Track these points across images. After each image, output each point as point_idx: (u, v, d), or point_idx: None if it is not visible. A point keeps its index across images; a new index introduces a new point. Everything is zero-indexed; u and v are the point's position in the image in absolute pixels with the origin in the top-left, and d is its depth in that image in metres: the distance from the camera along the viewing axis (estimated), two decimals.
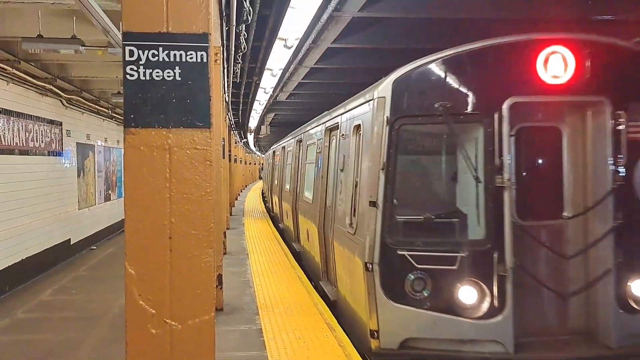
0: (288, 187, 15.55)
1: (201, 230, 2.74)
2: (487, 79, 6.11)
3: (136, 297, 2.69)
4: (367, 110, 6.71)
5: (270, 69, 14.71)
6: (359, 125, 7.05)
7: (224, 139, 12.08)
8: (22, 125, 11.15)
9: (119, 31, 2.72)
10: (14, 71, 10.33)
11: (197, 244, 2.74)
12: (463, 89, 6.06)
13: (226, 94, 16.22)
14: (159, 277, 2.71)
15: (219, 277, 8.24)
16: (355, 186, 6.99)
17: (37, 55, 10.38)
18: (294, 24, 9.87)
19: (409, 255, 5.86)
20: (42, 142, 12.33)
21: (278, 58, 13.07)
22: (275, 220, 21.27)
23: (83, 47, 8.12)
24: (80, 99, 14.29)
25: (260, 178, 61.20)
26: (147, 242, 2.70)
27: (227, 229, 16.43)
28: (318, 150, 10.77)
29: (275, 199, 20.33)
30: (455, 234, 6.09)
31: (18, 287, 10.87)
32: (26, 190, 11.32)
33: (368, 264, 5.93)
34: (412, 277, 5.83)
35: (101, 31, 7.36)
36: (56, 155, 13.25)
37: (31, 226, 11.59)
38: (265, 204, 29.13)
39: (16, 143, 10.87)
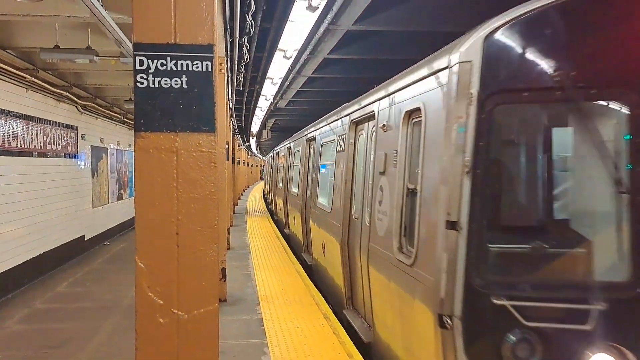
0: (296, 191, 13.10)
1: (206, 227, 2.75)
2: (635, 36, 3.67)
3: (145, 289, 2.69)
4: (433, 86, 4.32)
5: (271, 78, 14.71)
6: (418, 109, 4.63)
7: (227, 142, 12.08)
8: (40, 129, 11.13)
9: (130, 42, 2.72)
10: (33, 79, 10.32)
11: (202, 239, 2.74)
12: (597, 50, 3.73)
13: (230, 101, 16.20)
14: (166, 271, 2.71)
15: (223, 270, 8.24)
16: (412, 195, 4.70)
17: (55, 64, 10.38)
18: (293, 36, 9.88)
19: (511, 305, 3.61)
20: (59, 145, 12.30)
21: (278, 68, 13.08)
22: (279, 224, 19.49)
23: (97, 57, 8.12)
24: (94, 105, 14.27)
25: (262, 179, 61.02)
26: (156, 238, 2.71)
27: (231, 226, 16.41)
28: (339, 149, 8.28)
29: (280, 202, 17.80)
30: (581, 272, 3.84)
31: (36, 279, 10.84)
32: (44, 190, 11.30)
33: (444, 318, 3.72)
34: (515, 338, 3.62)
35: (114, 42, 7.35)
36: (72, 158, 13.22)
37: (48, 223, 11.57)
38: (266, 204, 29.06)
39: (35, 146, 10.85)
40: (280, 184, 18.15)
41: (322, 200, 10.01)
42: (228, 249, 11.99)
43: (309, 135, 12.48)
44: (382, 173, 5.68)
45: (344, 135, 7.93)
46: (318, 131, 11.12)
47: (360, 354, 5.98)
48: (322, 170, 10.55)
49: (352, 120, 7.52)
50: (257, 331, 6.84)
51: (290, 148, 16.64)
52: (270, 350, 6.13)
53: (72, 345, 7.28)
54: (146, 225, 2.71)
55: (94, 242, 15.00)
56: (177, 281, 2.72)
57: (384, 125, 5.72)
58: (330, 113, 10.40)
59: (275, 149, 23.51)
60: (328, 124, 9.89)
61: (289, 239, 15.30)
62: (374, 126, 6.29)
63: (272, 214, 23.17)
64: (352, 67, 14.42)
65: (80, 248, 13.77)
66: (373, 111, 6.27)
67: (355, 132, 7.57)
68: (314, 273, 10.77)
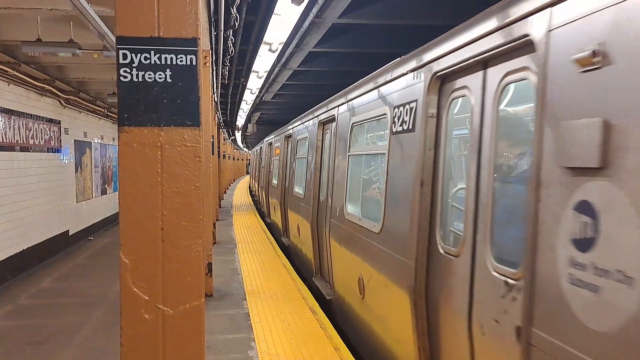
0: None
1: (191, 222, 2.73)
2: None
3: (130, 285, 2.68)
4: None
5: (256, 71, 14.65)
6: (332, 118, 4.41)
7: (213, 136, 12.03)
8: (22, 124, 11.00)
9: (114, 35, 2.70)
10: (15, 73, 10.17)
11: (187, 234, 2.73)
12: None
13: (215, 95, 16.12)
14: (151, 266, 2.70)
15: (209, 265, 8.22)
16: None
17: (37, 58, 10.25)
18: (278, 30, 9.83)
19: None
20: (42, 139, 12.17)
21: (263, 61, 13.01)
22: (264, 216, 19.05)
23: (80, 51, 8.02)
24: (77, 99, 14.12)
25: (248, 173, 60.61)
26: (141, 233, 2.69)
27: (217, 220, 16.36)
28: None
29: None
30: None
31: (20, 275, 10.74)
32: (27, 185, 11.18)
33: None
34: None
35: (97, 35, 7.27)
36: (55, 152, 13.08)
37: (32, 218, 11.45)
38: (252, 198, 28.97)
39: (17, 140, 10.72)
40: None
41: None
42: (214, 243, 11.95)
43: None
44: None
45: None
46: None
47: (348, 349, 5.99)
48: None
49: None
50: (244, 326, 6.84)
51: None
52: (256, 344, 6.13)
53: (57, 340, 7.23)
54: (130, 221, 2.69)
55: (78, 237, 14.89)
56: (162, 276, 2.70)
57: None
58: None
59: (266, 138, 22.92)
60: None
61: (270, 227, 16.06)
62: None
63: (259, 207, 23.15)
64: (337, 60, 14.41)
65: (64, 243, 13.66)
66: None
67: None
68: (291, 253, 11.92)
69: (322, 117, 8.92)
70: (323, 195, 8.68)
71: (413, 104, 4.57)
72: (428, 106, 4.27)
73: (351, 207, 6.93)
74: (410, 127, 4.55)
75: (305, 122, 10.86)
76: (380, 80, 5.70)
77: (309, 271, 9.81)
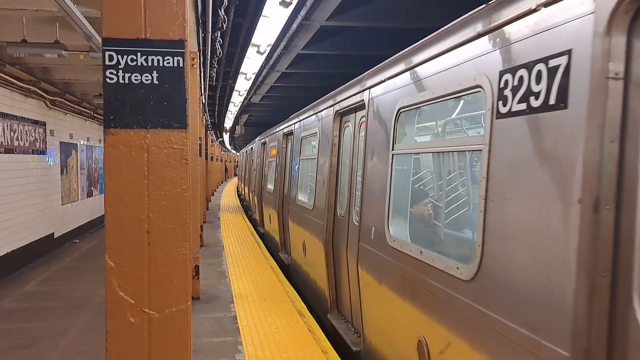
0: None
1: (178, 225, 2.72)
2: None
3: (116, 288, 2.66)
4: None
5: (244, 73, 14.65)
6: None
7: (200, 138, 11.98)
8: (7, 125, 10.89)
9: (100, 37, 2.68)
10: (0, 74, 10.08)
11: (174, 237, 2.72)
12: None
13: (203, 96, 16.08)
14: (137, 269, 2.68)
15: (196, 268, 8.18)
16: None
17: (22, 59, 10.17)
18: (266, 32, 9.84)
19: None
20: (27, 141, 12.06)
21: (251, 63, 13.02)
22: (253, 222, 17.70)
23: (66, 52, 7.97)
24: (63, 100, 14.01)
25: (236, 175, 60.21)
26: (126, 236, 2.67)
27: (204, 222, 16.30)
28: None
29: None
30: None
31: (4, 278, 10.62)
32: (11, 187, 11.06)
33: None
34: None
35: (83, 37, 7.23)
36: (40, 154, 12.97)
37: (16, 221, 11.34)
38: (240, 201, 28.86)
39: (1, 142, 10.61)
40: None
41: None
42: (201, 246, 11.91)
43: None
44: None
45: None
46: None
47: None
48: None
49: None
50: (231, 329, 6.81)
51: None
52: (244, 348, 6.11)
53: (42, 344, 7.15)
54: (116, 223, 2.67)
55: (63, 240, 14.76)
56: (148, 280, 2.69)
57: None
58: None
59: (250, 144, 22.31)
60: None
61: (265, 238, 14.45)
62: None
63: (246, 210, 23.05)
64: (325, 63, 14.45)
65: (49, 246, 13.53)
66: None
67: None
68: (292, 273, 10.00)
69: (341, 105, 6.92)
70: (343, 208, 6.84)
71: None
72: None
73: (399, 230, 4.85)
74: (556, 102, 2.70)
75: (314, 114, 8.79)
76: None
77: (321, 305, 7.75)
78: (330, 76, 15.44)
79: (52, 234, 13.84)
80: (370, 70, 5.95)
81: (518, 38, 3.04)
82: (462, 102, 4.65)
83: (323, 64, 14.53)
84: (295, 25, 9.50)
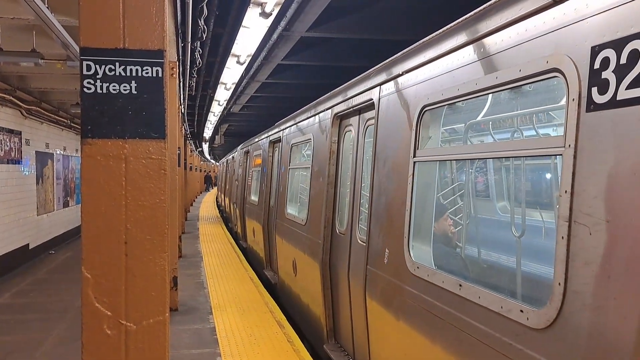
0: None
1: (155, 236, 2.70)
2: None
3: (92, 300, 2.63)
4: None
5: (224, 83, 14.61)
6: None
7: (179, 148, 11.92)
8: None
9: (78, 45, 2.67)
10: None
11: (152, 248, 2.70)
12: None
13: (182, 106, 16.01)
14: (114, 281, 2.65)
15: (174, 279, 8.11)
16: None
17: None
18: (247, 42, 9.84)
19: None
20: (2, 150, 11.88)
21: (231, 73, 13.00)
22: (234, 234, 16.99)
23: (42, 60, 7.89)
24: (39, 109, 13.86)
25: (215, 186, 59.44)
26: (103, 247, 2.65)
27: (183, 233, 16.18)
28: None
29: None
30: None
31: None
32: None
33: None
34: None
35: (60, 45, 7.17)
36: (15, 164, 12.79)
37: None
38: (220, 212, 28.66)
39: None
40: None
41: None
42: (180, 256, 11.81)
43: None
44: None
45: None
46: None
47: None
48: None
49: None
50: (210, 340, 6.75)
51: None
52: (222, 359, 6.06)
53: (16, 358, 7.02)
54: (93, 234, 2.64)
55: (38, 251, 14.53)
56: (125, 291, 2.66)
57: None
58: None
59: (231, 153, 21.63)
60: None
61: (247, 253, 13.74)
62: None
63: (226, 221, 22.87)
64: (306, 73, 14.49)
65: (24, 257, 13.31)
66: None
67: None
68: (279, 294, 9.30)
69: (341, 107, 6.15)
70: (342, 224, 6.10)
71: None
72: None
73: (423, 254, 3.97)
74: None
75: (306, 119, 7.97)
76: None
77: (314, 332, 7.03)
78: (311, 87, 15.48)
79: (27, 245, 13.63)
80: (381, 64, 5.09)
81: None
82: (520, 94, 3.82)
83: (303, 74, 14.58)
84: (275, 36, 9.52)
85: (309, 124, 7.75)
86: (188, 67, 11.66)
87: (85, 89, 2.64)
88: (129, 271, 2.67)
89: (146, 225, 2.69)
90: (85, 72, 2.63)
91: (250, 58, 11.21)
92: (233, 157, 21.96)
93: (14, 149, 12.64)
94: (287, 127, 9.54)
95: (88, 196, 2.66)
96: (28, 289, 11.02)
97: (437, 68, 3.76)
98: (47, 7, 5.93)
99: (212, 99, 18.09)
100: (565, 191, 2.42)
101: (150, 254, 2.69)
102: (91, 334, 2.64)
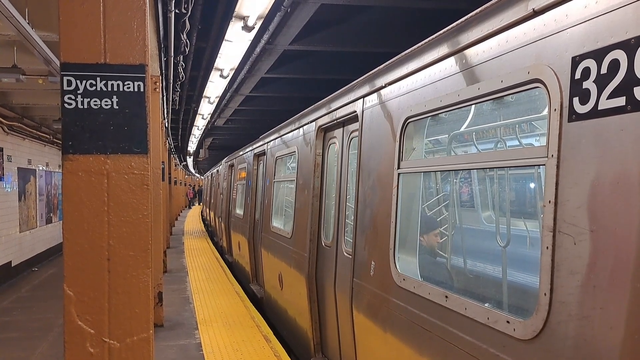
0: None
1: (139, 252, 2.67)
2: None
3: (75, 318, 2.59)
4: None
5: (208, 97, 14.61)
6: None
7: (163, 162, 11.85)
8: None
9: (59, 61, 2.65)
10: None
11: (135, 264, 2.66)
12: None
13: (166, 120, 15.95)
14: (97, 298, 2.61)
15: (159, 294, 8.03)
16: None
17: None
18: (230, 56, 9.85)
19: None
20: None
21: (215, 87, 13.00)
22: (220, 249, 16.87)
23: (24, 76, 7.82)
24: (21, 125, 13.70)
25: (195, 198, 58.80)
26: (86, 264, 2.61)
27: (168, 247, 16.04)
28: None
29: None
30: None
31: None
32: None
33: None
34: None
35: (42, 61, 7.12)
36: None
37: None
38: (205, 226, 28.48)
39: None
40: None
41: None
42: (165, 271, 11.69)
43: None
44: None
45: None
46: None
47: None
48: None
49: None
50: (196, 356, 6.68)
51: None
52: None
53: None
54: (75, 251, 2.61)
55: (21, 269, 14.31)
56: (108, 309, 2.62)
57: None
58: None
59: (215, 166, 21.35)
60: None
61: (233, 267, 13.64)
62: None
63: (212, 235, 22.72)
64: (289, 86, 14.55)
65: (6, 275, 13.10)
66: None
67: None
68: (265, 309, 9.15)
69: (324, 119, 6.09)
70: (328, 237, 6.00)
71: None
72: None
73: (409, 266, 3.94)
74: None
75: (291, 132, 7.90)
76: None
77: (302, 345, 6.89)
78: (294, 99, 15.53)
79: (10, 263, 13.42)
80: (364, 76, 5.09)
81: (606, 8, 2.22)
82: (501, 104, 3.75)
83: (287, 87, 14.63)
84: (258, 50, 9.54)
85: (294, 137, 7.65)
86: (171, 81, 11.63)
87: (66, 105, 2.61)
88: (112, 288, 2.63)
89: (129, 241, 2.66)
90: (66, 87, 2.61)
91: (233, 72, 11.22)
92: (218, 171, 21.84)
93: None
94: (272, 140, 9.42)
95: (70, 213, 2.63)
96: (10, 307, 10.83)
97: (419, 80, 3.74)
98: (28, 23, 5.89)
99: (196, 112, 18.06)
100: (549, 201, 2.41)
101: (133, 270, 2.66)
102: (74, 353, 2.60)
